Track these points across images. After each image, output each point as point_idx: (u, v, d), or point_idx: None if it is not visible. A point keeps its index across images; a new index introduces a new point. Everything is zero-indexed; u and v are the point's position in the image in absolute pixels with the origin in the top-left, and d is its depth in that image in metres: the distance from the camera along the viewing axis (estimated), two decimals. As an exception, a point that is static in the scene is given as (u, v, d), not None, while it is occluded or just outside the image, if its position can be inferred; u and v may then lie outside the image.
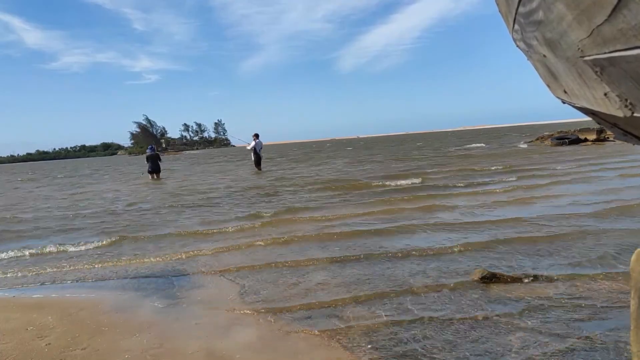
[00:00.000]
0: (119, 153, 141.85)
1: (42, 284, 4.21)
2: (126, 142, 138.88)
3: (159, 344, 2.70)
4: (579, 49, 0.74)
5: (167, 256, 4.91)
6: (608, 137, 18.45)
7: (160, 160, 16.63)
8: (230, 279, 3.97)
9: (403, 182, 10.29)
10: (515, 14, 0.98)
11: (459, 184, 9.32)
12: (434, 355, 2.36)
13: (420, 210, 6.69)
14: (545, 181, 8.87)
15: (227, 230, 6.14)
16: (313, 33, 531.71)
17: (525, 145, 22.37)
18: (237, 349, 2.59)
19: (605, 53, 0.66)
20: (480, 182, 9.53)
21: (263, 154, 17.80)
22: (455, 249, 4.37)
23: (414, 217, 6.18)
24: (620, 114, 0.75)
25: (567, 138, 19.63)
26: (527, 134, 40.06)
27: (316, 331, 2.77)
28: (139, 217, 7.86)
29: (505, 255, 4.08)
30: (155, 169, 16.35)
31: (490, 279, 3.39)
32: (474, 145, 27.71)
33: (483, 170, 11.87)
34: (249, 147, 16.95)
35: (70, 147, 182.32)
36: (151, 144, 18.16)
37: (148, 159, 16.36)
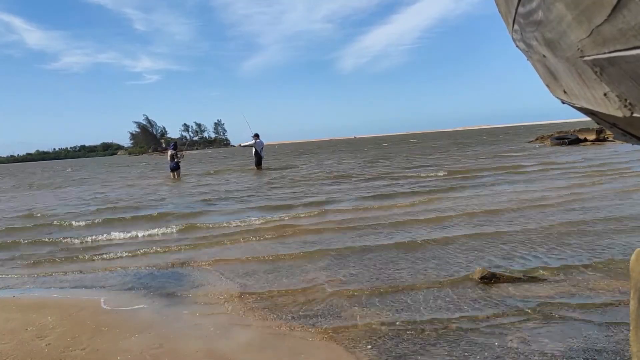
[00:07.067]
0: (118, 153, 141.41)
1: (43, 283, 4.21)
2: (126, 142, 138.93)
3: (159, 344, 2.70)
4: (578, 49, 0.74)
5: (167, 256, 4.92)
6: (607, 137, 18.46)
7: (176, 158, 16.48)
8: (230, 278, 3.97)
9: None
10: (515, 14, 0.98)
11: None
12: (434, 356, 2.37)
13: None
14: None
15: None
16: (314, 33, 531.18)
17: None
18: (237, 349, 2.59)
19: (605, 53, 0.67)
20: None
21: (264, 154, 18.28)
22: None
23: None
24: (619, 114, 0.75)
25: (567, 138, 19.64)
26: (524, 134, 39.87)
27: (317, 330, 2.77)
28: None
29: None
30: (175, 168, 16.50)
31: (490, 278, 3.40)
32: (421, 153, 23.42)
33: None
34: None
35: (70, 147, 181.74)
36: (172, 143, 17.99)
37: (172, 157, 16.41)
